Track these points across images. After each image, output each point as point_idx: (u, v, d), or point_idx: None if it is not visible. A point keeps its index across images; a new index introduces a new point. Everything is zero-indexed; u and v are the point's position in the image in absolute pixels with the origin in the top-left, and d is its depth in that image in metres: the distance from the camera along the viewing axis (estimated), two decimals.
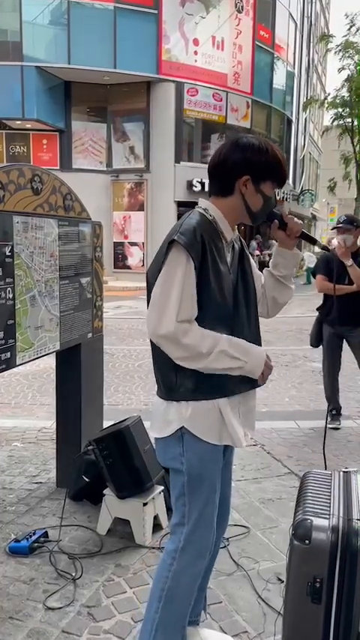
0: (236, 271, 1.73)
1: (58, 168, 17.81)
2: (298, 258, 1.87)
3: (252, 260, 1.87)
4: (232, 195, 1.67)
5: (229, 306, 1.65)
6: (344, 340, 4.47)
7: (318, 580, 1.50)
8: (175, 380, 1.63)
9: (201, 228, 1.60)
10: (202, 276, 1.59)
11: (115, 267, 19.07)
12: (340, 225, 4.26)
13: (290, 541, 1.57)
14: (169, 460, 1.69)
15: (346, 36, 22.21)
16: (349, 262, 4.12)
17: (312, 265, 14.06)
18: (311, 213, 32.88)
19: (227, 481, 1.92)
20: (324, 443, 2.53)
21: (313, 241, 1.90)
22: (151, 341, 1.67)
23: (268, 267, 1.90)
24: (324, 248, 2.02)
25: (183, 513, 1.68)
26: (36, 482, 3.33)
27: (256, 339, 1.76)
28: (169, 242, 1.57)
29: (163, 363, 1.65)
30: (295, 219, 1.78)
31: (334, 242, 4.28)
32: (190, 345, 1.55)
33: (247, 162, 1.63)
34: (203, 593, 1.98)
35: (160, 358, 1.66)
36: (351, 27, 22.11)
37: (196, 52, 18.71)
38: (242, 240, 1.86)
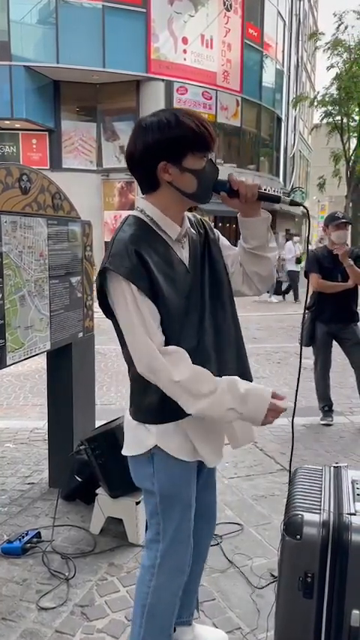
0: (199, 264, 1.57)
1: (48, 167, 17.73)
2: (267, 221, 1.60)
3: (223, 242, 1.70)
4: (161, 187, 1.49)
5: (190, 310, 1.51)
6: (334, 337, 4.50)
7: (309, 575, 1.51)
8: (142, 401, 1.56)
9: (134, 240, 1.44)
10: (154, 290, 1.43)
11: None
12: (344, 220, 4.29)
13: (282, 536, 1.57)
14: (141, 480, 1.63)
15: (335, 34, 22.27)
16: (349, 262, 4.15)
17: (290, 256, 13.94)
18: (301, 212, 32.96)
19: (212, 486, 1.86)
20: (292, 445, 2.54)
21: (276, 199, 1.57)
22: (125, 359, 1.58)
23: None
24: (292, 203, 1.63)
25: (157, 530, 1.63)
26: (28, 483, 3.32)
27: (235, 335, 1.63)
28: (101, 271, 1.44)
29: (133, 381, 1.58)
30: (249, 180, 1.52)
31: (332, 238, 4.29)
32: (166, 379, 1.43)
33: (155, 146, 1.43)
34: (195, 595, 1.96)
35: (130, 374, 1.58)
36: (340, 25, 22.17)
37: (185, 51, 18.69)
38: (205, 222, 1.69)
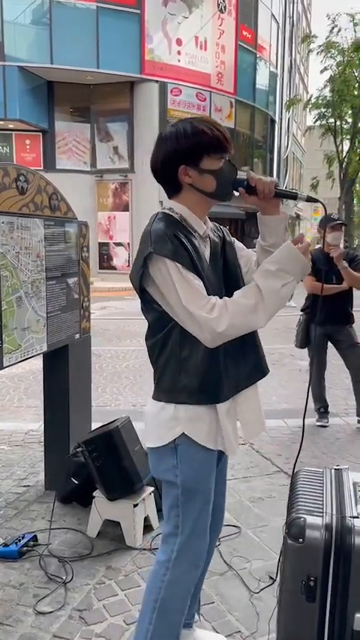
0: (219, 266, 1.67)
1: (41, 168, 17.68)
2: (285, 220, 1.68)
3: (237, 244, 1.79)
4: (183, 190, 1.61)
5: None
6: (329, 339, 4.51)
7: (312, 578, 1.50)
8: (178, 381, 1.58)
9: (171, 229, 1.54)
10: (196, 269, 1.53)
11: (100, 268, 18.99)
12: (340, 221, 4.29)
13: (284, 540, 1.56)
14: (163, 472, 1.65)
15: (328, 37, 22.40)
16: (343, 265, 4.16)
17: None
18: (295, 213, 33.05)
19: (221, 490, 1.88)
20: (300, 446, 2.53)
21: (293, 197, 1.64)
22: (149, 341, 1.63)
23: None
24: (309, 199, 1.66)
25: (176, 524, 1.64)
26: (24, 486, 3.30)
27: (251, 338, 1.71)
28: (146, 256, 1.51)
29: (166, 363, 1.60)
30: (265, 177, 1.61)
31: (328, 240, 4.29)
32: (237, 312, 1.48)
33: (174, 153, 1.56)
34: (198, 595, 1.96)
35: (162, 358, 1.60)
36: (333, 28, 22.30)
37: (179, 52, 18.72)
38: (222, 228, 1.80)
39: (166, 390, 1.61)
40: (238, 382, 1.66)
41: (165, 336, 1.58)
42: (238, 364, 1.66)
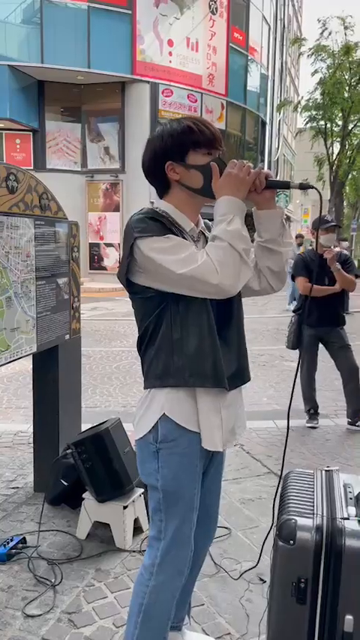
0: None
1: (32, 168, 17.58)
2: (281, 215, 1.66)
3: None
4: (172, 188, 1.62)
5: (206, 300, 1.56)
6: (320, 341, 4.52)
7: (303, 580, 1.49)
8: (172, 363, 1.55)
9: (151, 214, 1.56)
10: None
11: (90, 268, 18.92)
12: (333, 223, 4.32)
13: (274, 541, 1.56)
14: (146, 476, 1.64)
15: (318, 40, 22.51)
16: (337, 267, 4.17)
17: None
18: (285, 215, 33.18)
19: (216, 492, 1.87)
20: (285, 448, 2.53)
21: (286, 186, 1.64)
22: (142, 328, 1.61)
23: None
24: (302, 186, 1.62)
25: (159, 528, 1.63)
26: (13, 488, 3.27)
27: (239, 334, 1.68)
28: (132, 244, 1.50)
29: (158, 349, 1.57)
30: (256, 168, 1.59)
31: (321, 241, 4.30)
32: (223, 260, 1.47)
33: (160, 150, 1.58)
34: (188, 598, 1.95)
35: (154, 344, 1.57)
36: (323, 31, 22.42)
37: (170, 53, 18.69)
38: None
39: (159, 375, 1.57)
40: (227, 377, 1.62)
41: (156, 319, 1.57)
42: (225, 362, 1.62)
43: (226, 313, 1.63)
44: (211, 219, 1.63)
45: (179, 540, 1.62)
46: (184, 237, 1.57)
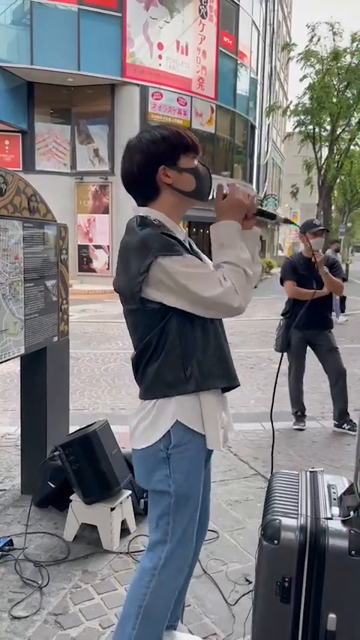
0: None
1: (21, 169, 17.52)
2: (257, 236, 1.73)
3: (201, 255, 1.80)
4: (162, 192, 1.63)
5: None
6: (308, 344, 4.56)
7: (287, 580, 1.52)
8: (181, 371, 1.58)
9: (156, 230, 1.56)
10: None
11: (79, 271, 18.87)
12: (322, 227, 4.36)
13: (259, 541, 1.58)
14: (156, 483, 1.64)
15: (308, 46, 22.68)
16: (324, 270, 4.21)
17: None
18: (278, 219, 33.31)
19: (208, 485, 1.92)
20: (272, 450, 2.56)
21: (272, 217, 1.74)
22: (140, 344, 1.63)
23: None
24: (286, 221, 1.77)
25: (166, 531, 1.65)
26: (0, 490, 3.26)
27: (226, 340, 1.74)
28: (151, 262, 1.50)
29: (166, 357, 1.59)
30: (245, 192, 1.66)
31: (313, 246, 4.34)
32: (239, 283, 1.54)
33: (153, 156, 1.60)
34: (183, 598, 1.97)
35: (163, 353, 1.59)
36: (312, 37, 22.60)
37: (160, 56, 18.74)
38: (189, 238, 1.82)
39: (170, 384, 1.59)
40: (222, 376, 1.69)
41: (161, 330, 1.58)
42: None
43: (219, 321, 1.70)
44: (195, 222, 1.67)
45: (185, 541, 1.66)
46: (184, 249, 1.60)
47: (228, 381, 1.66)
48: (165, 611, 1.70)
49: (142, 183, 1.64)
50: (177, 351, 1.58)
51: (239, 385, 1.70)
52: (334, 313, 12.55)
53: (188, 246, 1.69)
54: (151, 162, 1.60)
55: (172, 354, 1.59)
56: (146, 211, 1.64)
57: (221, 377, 1.65)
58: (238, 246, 1.58)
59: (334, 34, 22.56)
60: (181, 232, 1.67)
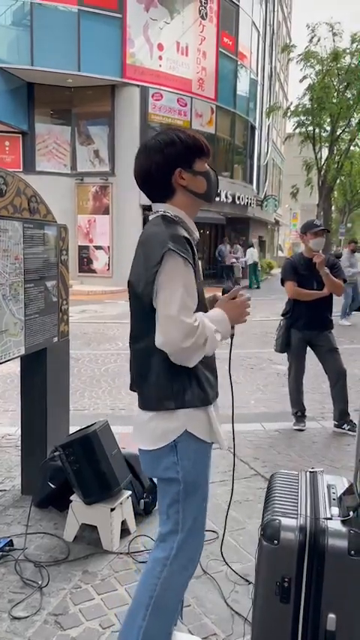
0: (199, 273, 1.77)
1: (21, 170, 17.52)
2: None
3: (199, 265, 1.89)
4: (177, 193, 1.70)
5: (205, 307, 1.72)
6: (308, 344, 4.57)
7: (286, 580, 1.52)
8: (173, 388, 1.62)
9: (182, 232, 1.60)
10: (197, 278, 1.63)
11: (80, 271, 18.85)
12: (322, 228, 4.36)
13: (259, 541, 1.58)
14: (163, 471, 1.66)
15: (307, 47, 22.71)
16: (325, 271, 4.22)
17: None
18: (274, 219, 33.37)
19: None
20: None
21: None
22: (136, 351, 1.67)
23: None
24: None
25: (176, 521, 1.67)
26: (0, 490, 3.26)
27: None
28: (164, 252, 1.54)
29: (158, 373, 1.62)
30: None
31: (310, 245, 4.35)
32: (201, 343, 1.56)
33: (170, 157, 1.66)
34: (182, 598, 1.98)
35: (153, 368, 1.63)
36: (312, 38, 22.63)
37: (160, 57, 18.74)
38: None
39: (163, 398, 1.63)
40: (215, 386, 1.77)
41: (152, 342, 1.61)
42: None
43: None
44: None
45: (196, 529, 1.68)
46: (192, 247, 1.63)
47: (215, 389, 1.73)
48: (176, 602, 1.72)
49: (157, 182, 1.69)
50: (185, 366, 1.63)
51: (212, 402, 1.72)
52: (338, 314, 12.55)
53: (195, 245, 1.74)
54: (169, 164, 1.66)
55: (181, 369, 1.62)
56: (165, 207, 1.70)
57: (215, 386, 1.73)
58: (219, 331, 1.63)
59: (334, 34, 22.61)
60: (195, 230, 1.73)
